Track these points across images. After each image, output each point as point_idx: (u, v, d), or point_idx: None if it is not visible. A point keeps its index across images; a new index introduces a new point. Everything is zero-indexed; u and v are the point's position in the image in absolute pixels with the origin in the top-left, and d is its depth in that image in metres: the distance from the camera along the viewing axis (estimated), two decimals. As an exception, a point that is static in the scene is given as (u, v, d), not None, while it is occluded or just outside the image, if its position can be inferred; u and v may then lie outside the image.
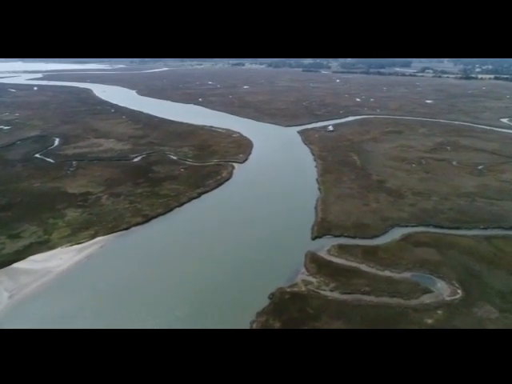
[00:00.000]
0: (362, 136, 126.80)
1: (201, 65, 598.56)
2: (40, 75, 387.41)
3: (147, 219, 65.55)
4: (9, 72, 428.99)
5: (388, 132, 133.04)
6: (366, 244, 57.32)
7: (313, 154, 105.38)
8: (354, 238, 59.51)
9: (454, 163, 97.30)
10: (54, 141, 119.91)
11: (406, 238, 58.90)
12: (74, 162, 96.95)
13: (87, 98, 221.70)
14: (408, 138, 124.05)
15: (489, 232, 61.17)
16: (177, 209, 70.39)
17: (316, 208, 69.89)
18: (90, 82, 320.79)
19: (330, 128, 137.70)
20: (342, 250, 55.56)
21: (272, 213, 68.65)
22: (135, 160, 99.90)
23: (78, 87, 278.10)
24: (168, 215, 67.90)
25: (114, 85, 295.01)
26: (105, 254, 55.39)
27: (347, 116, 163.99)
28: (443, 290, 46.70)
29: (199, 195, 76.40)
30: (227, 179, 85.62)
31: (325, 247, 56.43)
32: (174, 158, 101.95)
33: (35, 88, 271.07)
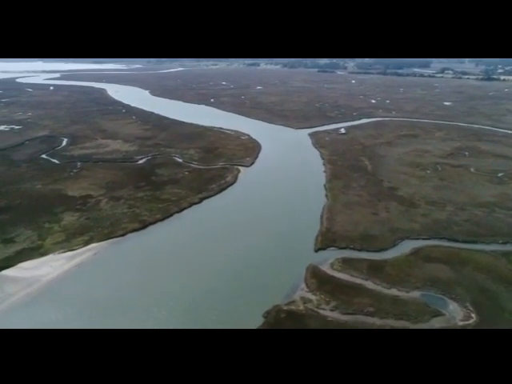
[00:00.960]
0: (375, 139, 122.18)
1: (216, 65, 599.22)
2: (58, 75, 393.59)
3: (144, 225, 63.20)
4: (28, 72, 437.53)
5: (403, 135, 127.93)
6: (372, 258, 53.50)
7: (322, 158, 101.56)
8: (360, 250, 55.77)
9: (472, 170, 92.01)
10: (61, 141, 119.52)
11: (416, 252, 54.79)
12: (79, 164, 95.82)
13: (100, 97, 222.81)
14: (424, 143, 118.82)
15: (508, 247, 56.44)
16: (176, 214, 67.84)
17: (321, 216, 66.28)
18: (106, 81, 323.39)
19: (342, 131, 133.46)
20: (347, 264, 51.91)
21: (275, 221, 65.40)
22: (140, 162, 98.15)
23: (93, 87, 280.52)
24: (166, 221, 65.42)
25: (129, 85, 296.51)
26: (97, 262, 53.19)
27: (361, 118, 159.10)
28: (455, 313, 42.59)
29: (201, 200, 73.75)
30: (231, 183, 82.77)
31: (328, 260, 52.89)
32: (180, 160, 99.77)
33: (51, 88, 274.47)
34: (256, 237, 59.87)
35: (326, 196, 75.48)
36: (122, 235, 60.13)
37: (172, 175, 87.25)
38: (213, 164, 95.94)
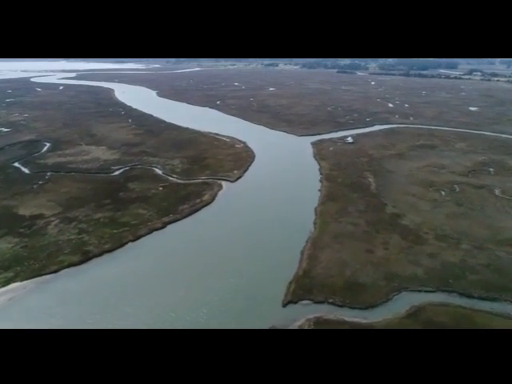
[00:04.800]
0: (385, 150, 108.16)
1: (234, 65, 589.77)
2: (74, 74, 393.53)
3: (87, 258, 52.88)
4: (47, 71, 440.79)
5: (418, 146, 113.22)
6: (355, 320, 41.02)
7: (320, 173, 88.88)
8: (341, 306, 43.39)
9: (497, 192, 77.22)
10: (43, 146, 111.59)
11: (415, 314, 41.95)
12: (49, 174, 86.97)
13: (105, 98, 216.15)
14: (441, 155, 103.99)
15: (541, 310, 42.78)
16: (130, 244, 57.21)
17: (302, 253, 54.11)
18: (118, 81, 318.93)
19: (349, 139, 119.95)
20: (320, 328, 39.64)
21: (244, 257, 53.67)
22: (115, 173, 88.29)
23: (102, 87, 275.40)
24: (116, 253, 54.84)
25: (141, 85, 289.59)
26: (9, 312, 42.86)
27: (374, 125, 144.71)
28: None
29: (164, 225, 62.79)
30: (207, 204, 71.46)
31: (296, 321, 40.80)
32: (159, 172, 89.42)
33: (61, 87, 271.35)
34: (213, 280, 48.27)
35: (315, 224, 63.06)
36: (55, 271, 49.98)
37: (144, 191, 76.80)
38: (194, 178, 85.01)
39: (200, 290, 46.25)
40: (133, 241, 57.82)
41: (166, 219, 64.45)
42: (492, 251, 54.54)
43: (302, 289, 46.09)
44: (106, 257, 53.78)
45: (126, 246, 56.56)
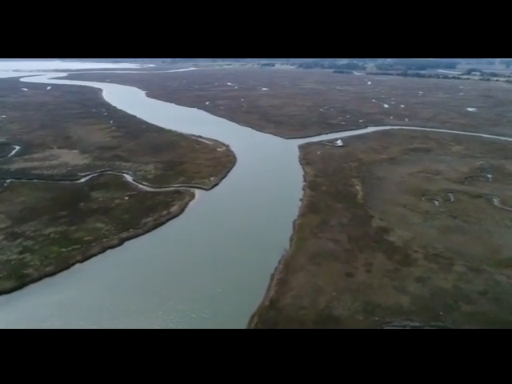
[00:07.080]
0: (376, 154, 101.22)
1: (230, 65, 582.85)
2: (65, 74, 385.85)
3: (21, 284, 45.64)
4: (38, 71, 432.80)
5: (411, 150, 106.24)
6: (324, 367, 33.98)
7: (304, 180, 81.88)
8: (309, 348, 36.31)
9: (496, 202, 70.29)
10: (11, 150, 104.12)
11: (396, 358, 34.90)
12: (8, 181, 79.76)
13: (90, 99, 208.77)
14: (436, 160, 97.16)
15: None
16: (77, 265, 50.09)
17: (272, 277, 47.07)
18: (109, 81, 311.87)
19: (339, 142, 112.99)
20: (280, 379, 32.62)
21: (203, 285, 46.41)
22: (80, 181, 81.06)
23: (91, 87, 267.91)
24: (58, 277, 47.61)
25: (132, 85, 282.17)
26: None
27: (367, 126, 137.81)
28: None
29: (121, 242, 55.66)
30: (175, 216, 64.35)
31: (253, 369, 33.72)
32: (129, 178, 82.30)
33: (48, 87, 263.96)
34: (162, 313, 41.16)
35: (291, 240, 56.03)
36: (-19, 301, 42.90)
37: (107, 201, 69.64)
38: (166, 185, 77.91)
39: (144, 326, 39.09)
40: (81, 261, 50.63)
41: (124, 235, 57.29)
42: (490, 274, 47.56)
43: (265, 324, 38.98)
44: (45, 282, 46.60)
45: (72, 268, 49.36)
